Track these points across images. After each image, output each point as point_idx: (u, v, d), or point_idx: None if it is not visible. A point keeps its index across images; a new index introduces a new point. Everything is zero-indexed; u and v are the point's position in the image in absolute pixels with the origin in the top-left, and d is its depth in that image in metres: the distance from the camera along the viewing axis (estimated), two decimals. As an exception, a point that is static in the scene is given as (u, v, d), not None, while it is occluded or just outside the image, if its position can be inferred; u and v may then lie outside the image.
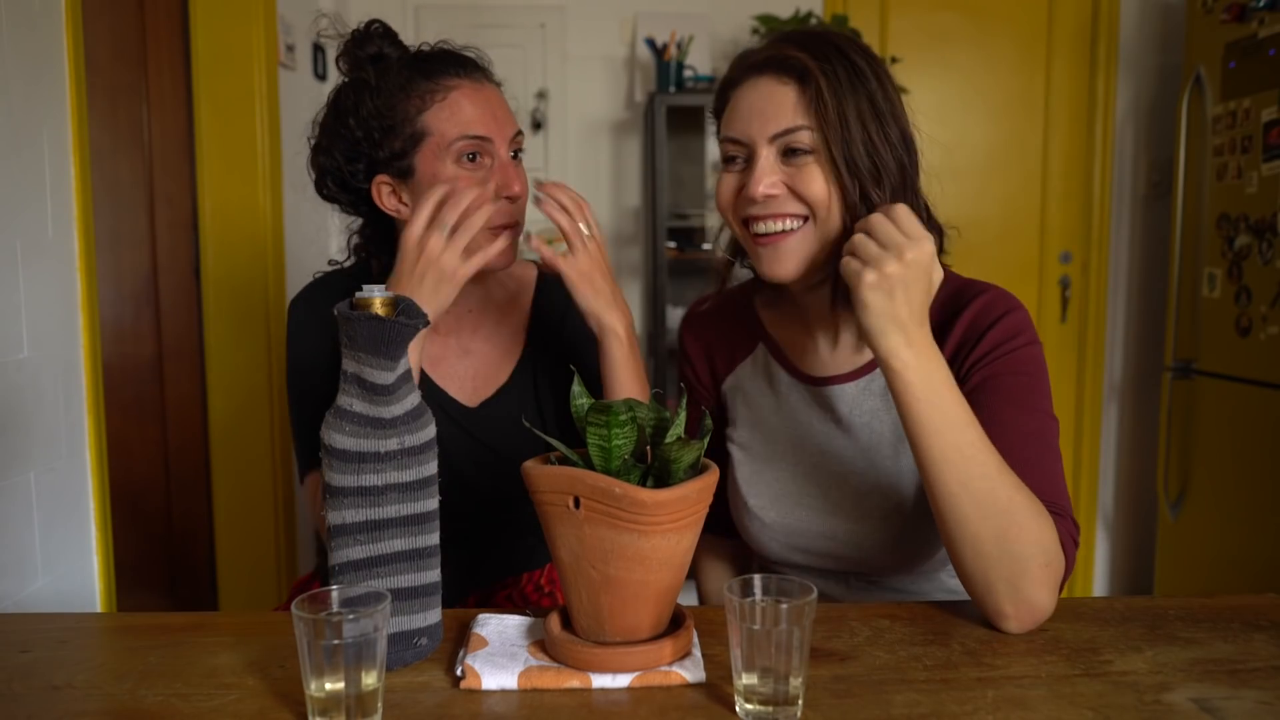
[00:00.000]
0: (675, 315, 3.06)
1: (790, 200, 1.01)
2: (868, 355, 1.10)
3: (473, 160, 1.13)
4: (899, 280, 0.88)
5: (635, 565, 0.80)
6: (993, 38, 3.16)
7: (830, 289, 1.05)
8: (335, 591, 0.76)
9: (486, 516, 1.25)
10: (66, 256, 1.62)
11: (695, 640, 0.86)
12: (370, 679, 0.71)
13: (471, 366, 1.25)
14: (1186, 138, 2.71)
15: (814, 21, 2.85)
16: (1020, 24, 3.18)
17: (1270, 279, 2.39)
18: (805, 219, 1.01)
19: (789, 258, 1.02)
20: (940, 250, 1.03)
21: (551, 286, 1.28)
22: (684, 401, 0.86)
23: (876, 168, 0.99)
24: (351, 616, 0.71)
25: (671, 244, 2.98)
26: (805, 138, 0.99)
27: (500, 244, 1.12)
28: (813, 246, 1.02)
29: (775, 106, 1.00)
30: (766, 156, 1.01)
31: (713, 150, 3.13)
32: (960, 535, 0.89)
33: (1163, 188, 3.14)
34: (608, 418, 0.80)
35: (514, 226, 1.16)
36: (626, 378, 1.13)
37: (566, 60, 3.14)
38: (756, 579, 0.78)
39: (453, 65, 1.15)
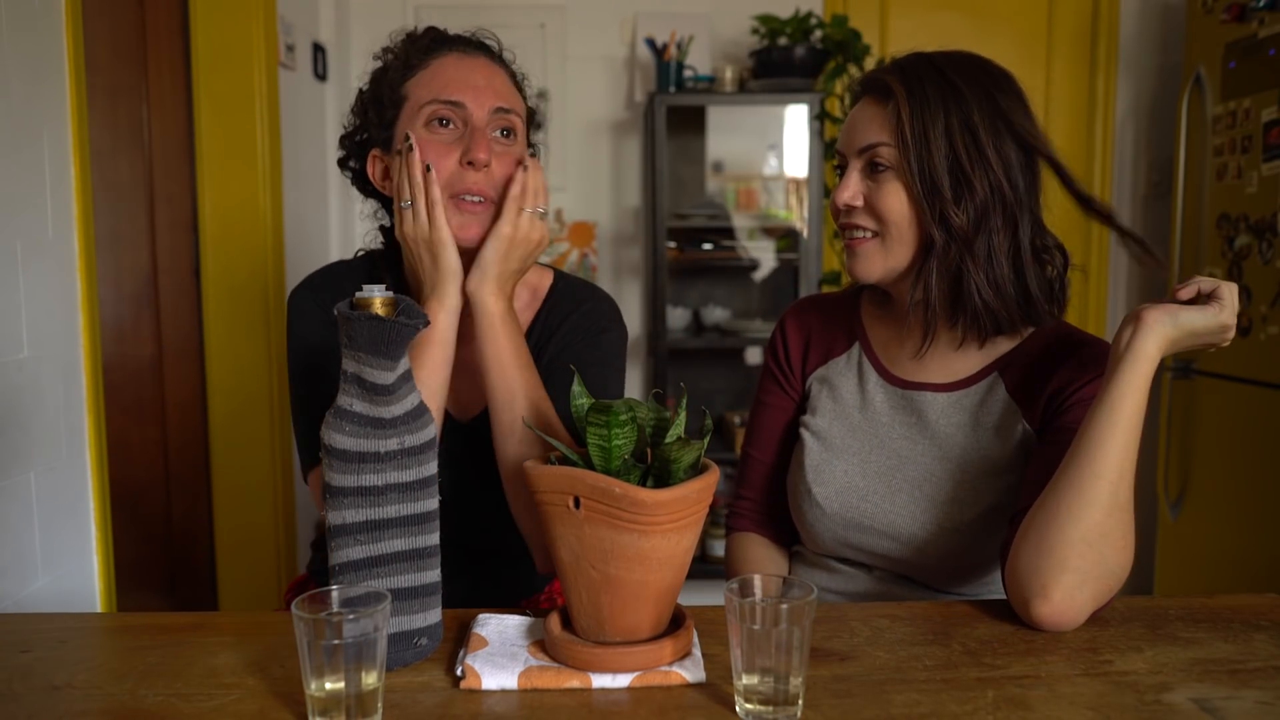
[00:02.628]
0: (675, 315, 3.06)
1: (864, 214, 1.08)
2: (964, 370, 1.13)
3: (444, 125, 1.08)
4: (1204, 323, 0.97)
5: (635, 565, 0.80)
6: (993, 38, 3.16)
7: (942, 306, 1.08)
8: (335, 591, 0.76)
9: (477, 541, 1.19)
10: (66, 256, 1.62)
11: (695, 640, 0.87)
12: (370, 679, 0.71)
13: (466, 379, 1.16)
14: (1186, 138, 2.71)
15: (814, 21, 2.85)
16: (1020, 24, 3.18)
17: (1270, 279, 2.39)
18: (876, 233, 1.08)
19: (864, 262, 1.10)
20: (1065, 270, 1.11)
21: (561, 294, 1.22)
22: (684, 401, 0.86)
23: (960, 187, 1.04)
24: (351, 616, 0.71)
25: (671, 244, 2.97)
26: (885, 154, 1.06)
27: (457, 219, 1.07)
28: (886, 258, 1.09)
29: (865, 123, 1.08)
30: (853, 168, 1.09)
31: (713, 150, 3.13)
32: (1079, 515, 0.92)
33: (1163, 188, 3.14)
34: (608, 418, 0.80)
35: (483, 201, 1.07)
36: (503, 350, 1.06)
37: (566, 60, 3.14)
38: (756, 579, 0.78)
39: (449, 41, 1.14)
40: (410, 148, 1.06)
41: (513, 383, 1.05)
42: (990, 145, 1.04)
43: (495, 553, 1.22)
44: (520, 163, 1.10)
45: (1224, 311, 0.95)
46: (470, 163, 1.06)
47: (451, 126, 1.08)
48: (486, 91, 1.09)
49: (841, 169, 1.12)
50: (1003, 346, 1.12)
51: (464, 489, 1.14)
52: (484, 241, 1.07)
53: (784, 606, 0.73)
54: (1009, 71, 1.11)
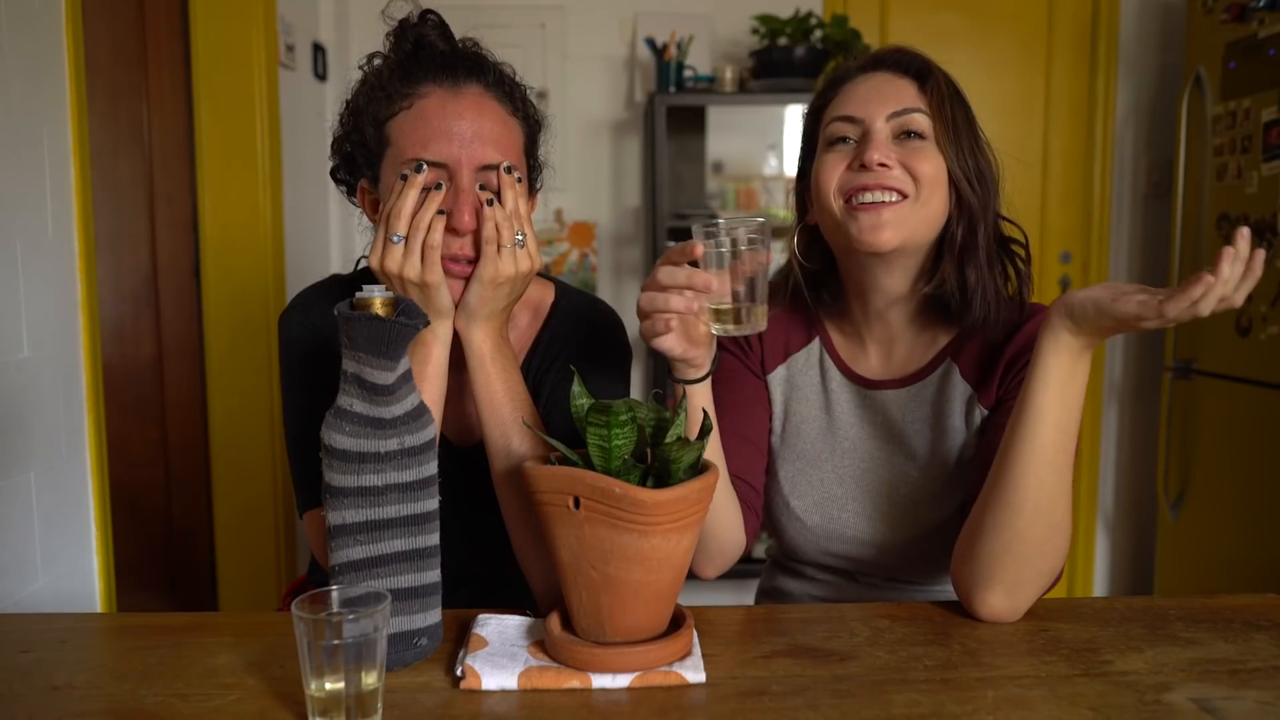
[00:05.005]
0: (675, 315, 3.05)
1: (900, 174, 1.03)
2: (917, 361, 1.11)
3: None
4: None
5: (635, 565, 0.80)
6: (993, 38, 3.16)
7: (918, 302, 1.09)
8: (335, 591, 0.76)
9: (477, 569, 1.15)
10: (66, 256, 1.62)
11: (695, 640, 0.87)
12: (370, 679, 0.71)
13: (465, 405, 1.13)
14: (1186, 138, 2.71)
15: (814, 21, 2.85)
16: (1020, 24, 3.18)
17: (1270, 279, 2.38)
18: (905, 197, 1.03)
19: (887, 227, 1.02)
20: (1027, 262, 1.09)
21: (563, 314, 1.18)
22: (684, 401, 0.86)
23: (979, 169, 1.05)
24: (351, 616, 0.71)
25: (671, 244, 2.96)
26: (922, 121, 1.04)
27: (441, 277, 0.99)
28: (909, 223, 1.03)
29: (895, 90, 1.06)
30: (881, 130, 1.04)
31: (713, 150, 3.13)
32: (1003, 528, 0.91)
33: (1163, 188, 3.14)
34: (608, 418, 0.80)
35: (469, 262, 1.01)
36: (495, 390, 1.02)
37: (566, 60, 3.14)
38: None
39: (434, 69, 1.03)
40: (413, 176, 0.99)
41: (505, 422, 1.02)
42: (984, 141, 1.08)
43: (495, 581, 1.17)
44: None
45: (1170, 303, 0.82)
46: (454, 229, 0.99)
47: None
48: (473, 144, 1.00)
49: (844, 139, 1.06)
50: (951, 331, 1.11)
51: (463, 515, 1.11)
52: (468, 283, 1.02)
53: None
54: None
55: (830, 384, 1.15)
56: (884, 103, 1.05)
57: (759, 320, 0.93)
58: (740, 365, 1.18)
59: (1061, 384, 0.90)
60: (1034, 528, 0.91)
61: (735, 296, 0.92)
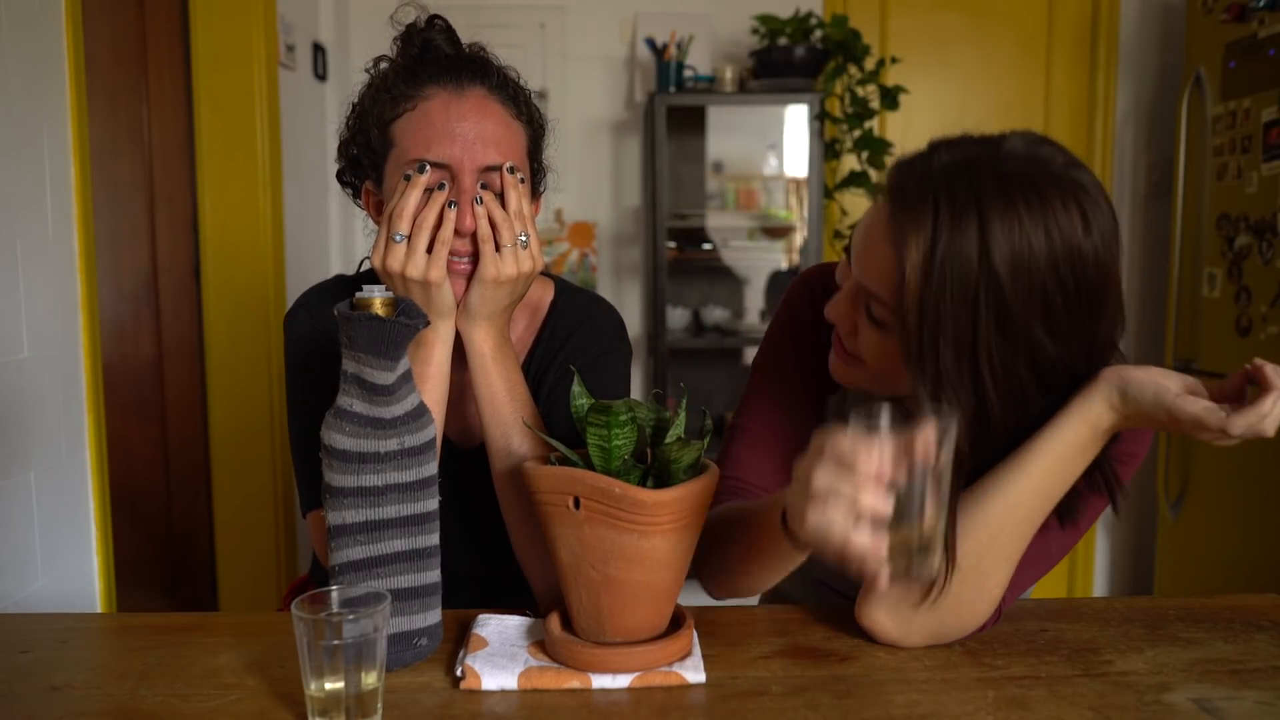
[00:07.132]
0: (675, 315, 3.06)
1: (851, 338, 0.90)
2: None
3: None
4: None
5: (635, 565, 0.80)
6: (993, 38, 3.16)
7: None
8: (335, 591, 0.76)
9: (479, 571, 1.15)
10: (66, 256, 1.62)
11: (695, 640, 0.86)
12: (370, 679, 0.71)
13: (468, 406, 1.12)
14: (1186, 138, 2.71)
15: (814, 21, 2.85)
16: (1020, 24, 3.18)
17: (1270, 279, 2.38)
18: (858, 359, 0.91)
19: (839, 372, 0.94)
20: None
21: (562, 312, 1.18)
22: (684, 402, 0.86)
23: (976, 382, 0.80)
24: (351, 616, 0.71)
25: (671, 244, 2.97)
26: (880, 312, 0.84)
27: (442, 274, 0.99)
28: (865, 382, 0.90)
29: (874, 253, 0.84)
30: (846, 292, 0.89)
31: (713, 150, 3.13)
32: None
33: (1163, 188, 3.14)
34: (608, 418, 0.80)
35: (468, 261, 1.02)
36: (496, 390, 1.02)
37: (566, 60, 3.14)
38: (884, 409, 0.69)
39: (438, 71, 1.04)
40: (416, 176, 0.99)
41: (506, 422, 1.02)
42: (1024, 352, 0.81)
43: (495, 582, 1.17)
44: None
45: (1237, 418, 0.79)
46: (455, 229, 0.99)
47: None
48: (475, 146, 1.01)
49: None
50: None
51: (464, 516, 1.11)
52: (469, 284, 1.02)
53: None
54: (1098, 224, 0.90)
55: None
56: (859, 261, 0.86)
57: (930, 563, 0.71)
58: (808, 358, 1.04)
59: (1069, 456, 0.83)
60: (963, 586, 0.85)
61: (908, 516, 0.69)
